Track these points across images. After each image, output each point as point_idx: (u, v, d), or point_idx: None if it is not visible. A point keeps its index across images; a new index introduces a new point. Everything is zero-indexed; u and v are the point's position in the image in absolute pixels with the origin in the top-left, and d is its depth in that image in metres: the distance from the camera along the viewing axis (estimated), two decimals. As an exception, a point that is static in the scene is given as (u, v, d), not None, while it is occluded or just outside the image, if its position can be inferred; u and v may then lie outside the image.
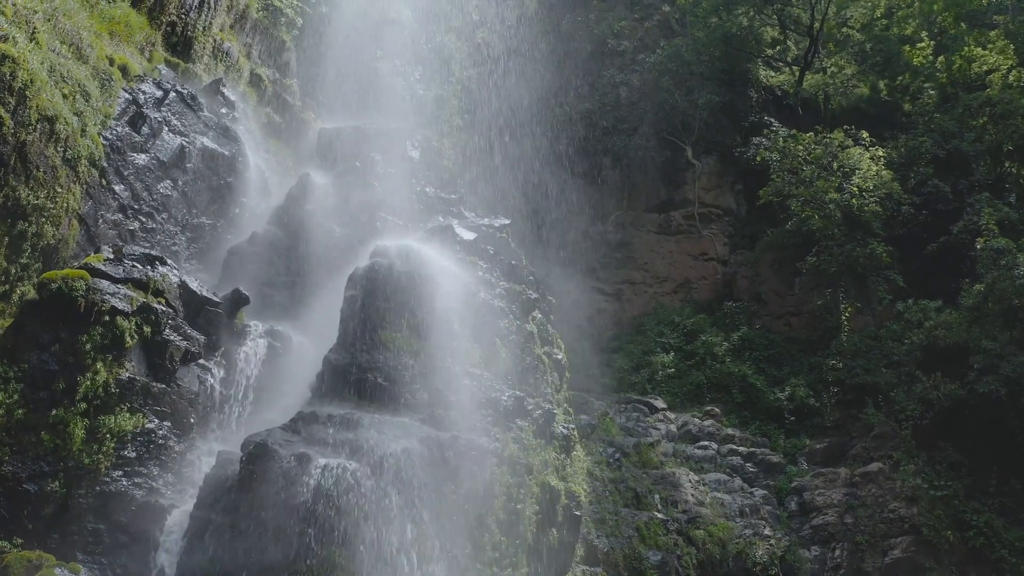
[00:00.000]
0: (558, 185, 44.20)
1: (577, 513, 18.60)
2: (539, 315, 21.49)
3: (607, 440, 30.99)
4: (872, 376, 34.10)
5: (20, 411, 14.64)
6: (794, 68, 44.99)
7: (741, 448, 34.31)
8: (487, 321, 18.04)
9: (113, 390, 15.39)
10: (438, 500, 14.89)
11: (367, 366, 15.99)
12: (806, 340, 38.42)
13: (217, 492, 14.50)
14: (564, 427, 19.59)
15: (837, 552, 29.79)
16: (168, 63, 22.78)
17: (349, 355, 16.17)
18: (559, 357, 21.73)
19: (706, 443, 34.44)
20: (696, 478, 31.28)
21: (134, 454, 15.38)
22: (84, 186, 18.05)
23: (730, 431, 35.21)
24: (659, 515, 28.24)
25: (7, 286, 16.39)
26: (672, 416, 36.47)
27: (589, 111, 44.21)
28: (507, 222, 22.40)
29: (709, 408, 36.59)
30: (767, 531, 29.94)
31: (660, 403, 36.97)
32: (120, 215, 19.13)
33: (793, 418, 35.35)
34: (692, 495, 30.13)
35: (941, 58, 41.44)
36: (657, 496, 29.39)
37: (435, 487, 14.93)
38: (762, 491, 32.18)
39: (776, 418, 35.83)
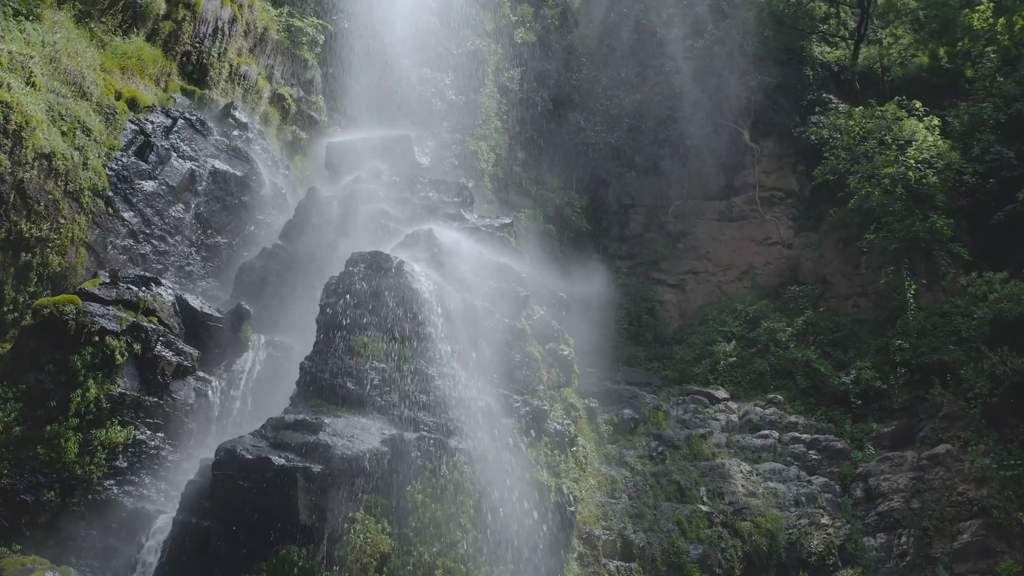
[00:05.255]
0: (614, 178, 44.05)
1: (571, 509, 18.64)
2: (542, 312, 21.62)
3: (654, 433, 30.80)
4: (939, 354, 32.93)
5: (18, 428, 15.79)
6: (849, 42, 43.40)
7: (804, 435, 33.52)
8: (468, 321, 18.30)
9: (104, 405, 16.41)
10: (402, 500, 15.26)
11: (338, 371, 16.55)
12: (873, 321, 37.22)
13: (196, 497, 15.27)
14: (559, 424, 19.63)
15: (903, 539, 28.93)
16: (184, 91, 24.02)
17: (322, 361, 16.76)
18: (564, 353, 21.77)
19: (767, 432, 33.78)
20: (748, 468, 30.72)
21: (125, 464, 16.39)
22: (89, 216, 19.29)
23: (793, 418, 34.42)
24: (703, 508, 27.90)
25: (16, 314, 17.75)
26: (734, 406, 35.89)
27: (641, 102, 43.81)
28: (508, 221, 22.55)
29: (772, 396, 35.90)
30: (824, 520, 29.19)
31: (722, 393, 36.41)
32: (130, 240, 20.33)
33: (860, 402, 34.42)
34: (743, 486, 29.60)
35: (1002, 20, 39.16)
36: (703, 488, 29.04)
37: (399, 487, 15.31)
38: (822, 479, 31.37)
39: (842, 403, 34.96)
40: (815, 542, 28.21)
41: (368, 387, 16.35)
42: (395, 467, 15.31)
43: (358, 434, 15.39)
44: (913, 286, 34.99)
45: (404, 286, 17.43)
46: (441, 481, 15.70)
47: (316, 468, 14.67)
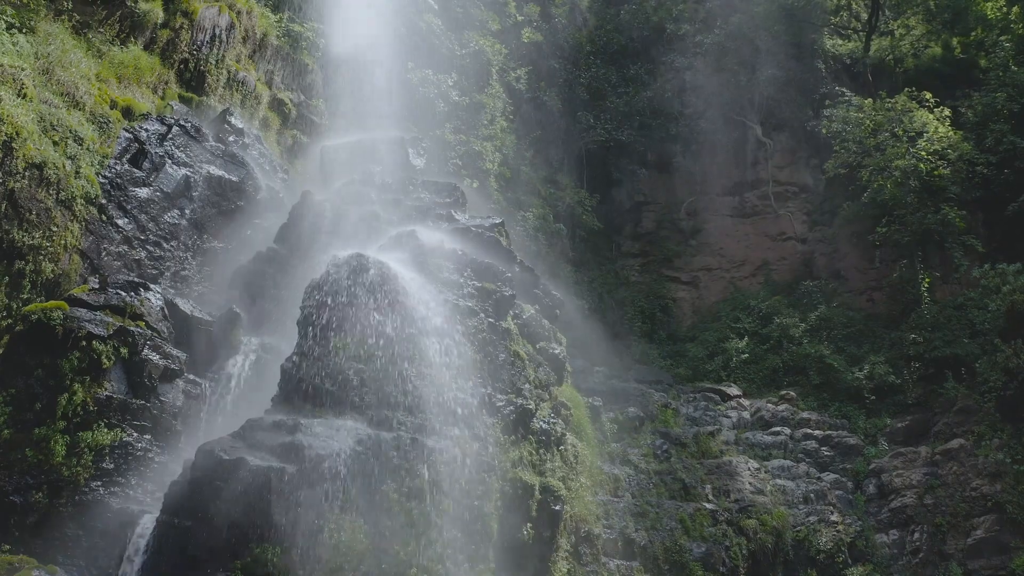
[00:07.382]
0: (626, 176, 43.97)
1: (556, 508, 18.69)
2: (532, 311, 21.69)
3: (660, 431, 30.69)
4: (953, 348, 32.58)
5: (7, 431, 16.23)
6: (861, 34, 42.94)
7: (816, 432, 33.27)
8: (451, 321, 18.40)
9: (91, 408, 16.78)
10: (378, 499, 15.41)
11: (316, 372, 16.73)
12: (888, 315, 36.93)
13: (178, 498, 15.55)
14: (545, 423, 19.68)
15: (916, 535, 28.77)
16: (182, 98, 24.40)
17: (301, 363, 16.94)
18: (556, 352, 21.79)
19: (778, 428, 33.54)
20: (756, 466, 30.53)
21: (112, 466, 16.75)
22: (83, 223, 19.69)
23: (806, 415, 34.18)
24: (708, 506, 27.78)
25: (9, 320, 18.13)
26: (746, 403, 35.65)
27: (652, 99, 43.69)
28: (499, 221, 22.61)
29: (785, 392, 35.66)
30: (834, 517, 28.99)
31: (734, 390, 36.20)
32: (125, 246, 20.71)
33: (873, 397, 34.15)
34: (750, 483, 29.41)
35: (1016, 8, 38.48)
36: (709, 486, 28.92)
37: (375, 486, 15.46)
38: (833, 475, 31.13)
39: (856, 398, 34.69)
40: (824, 539, 28.02)
41: (347, 388, 16.53)
42: (371, 467, 15.47)
43: (335, 435, 15.58)
44: (927, 279, 34.66)
45: (384, 287, 17.59)
46: (418, 481, 15.83)
47: (291, 468, 14.89)
